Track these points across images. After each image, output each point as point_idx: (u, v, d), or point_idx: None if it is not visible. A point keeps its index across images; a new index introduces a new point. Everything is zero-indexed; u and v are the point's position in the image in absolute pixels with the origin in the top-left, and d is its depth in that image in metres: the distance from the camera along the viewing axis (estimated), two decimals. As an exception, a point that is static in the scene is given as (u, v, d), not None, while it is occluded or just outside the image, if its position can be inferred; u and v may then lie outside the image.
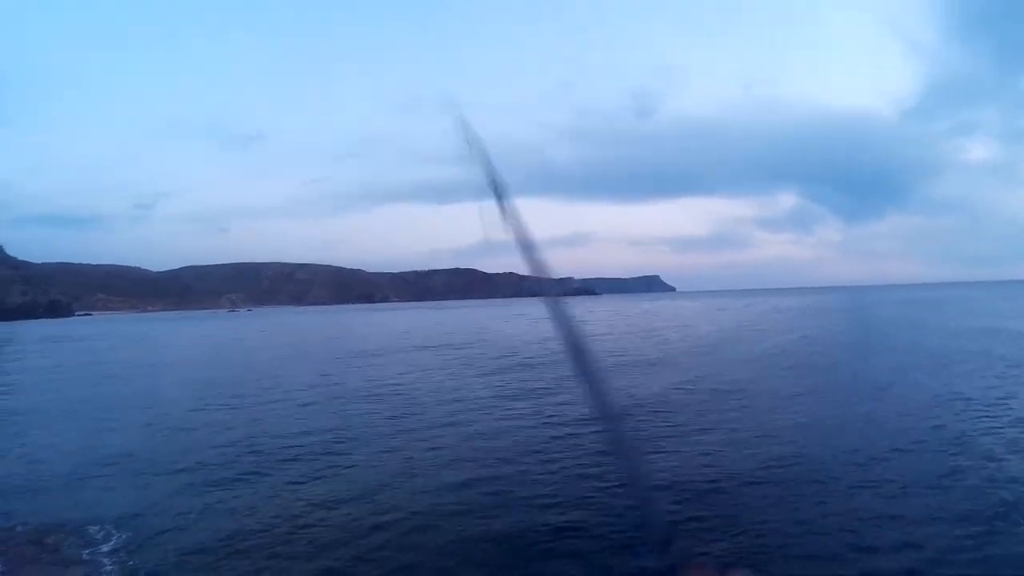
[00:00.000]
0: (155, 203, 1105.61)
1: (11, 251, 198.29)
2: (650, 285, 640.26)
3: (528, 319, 58.56)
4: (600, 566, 5.99)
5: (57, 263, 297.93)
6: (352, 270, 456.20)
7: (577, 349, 1.22)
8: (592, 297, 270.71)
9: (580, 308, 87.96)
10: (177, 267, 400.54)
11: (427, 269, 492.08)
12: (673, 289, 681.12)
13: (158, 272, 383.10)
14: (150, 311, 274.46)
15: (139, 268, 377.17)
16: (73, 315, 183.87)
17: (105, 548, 6.53)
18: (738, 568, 0.84)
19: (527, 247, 1.47)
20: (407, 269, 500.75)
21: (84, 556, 6.39)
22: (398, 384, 18.34)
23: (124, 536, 6.83)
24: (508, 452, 10.27)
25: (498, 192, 1.61)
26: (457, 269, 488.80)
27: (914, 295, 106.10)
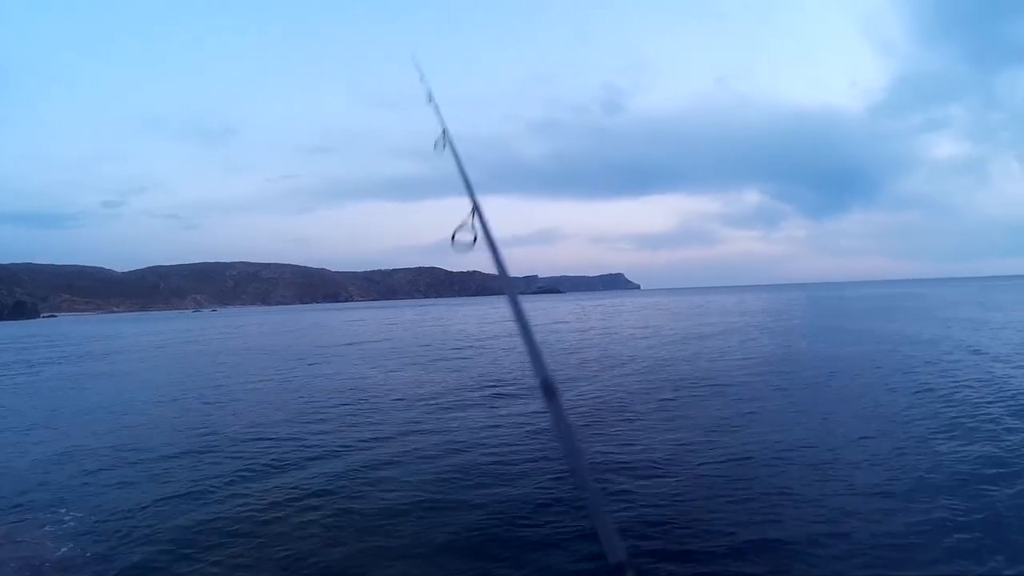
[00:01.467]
0: (123, 200, 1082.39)
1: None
2: (614, 283, 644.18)
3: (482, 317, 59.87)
4: None
5: (22, 263, 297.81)
6: (317, 269, 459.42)
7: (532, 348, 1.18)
8: (556, 296, 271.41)
9: (538, 306, 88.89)
10: (143, 267, 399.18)
11: (391, 268, 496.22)
12: (638, 287, 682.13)
13: (124, 272, 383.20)
14: (115, 311, 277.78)
15: (104, 268, 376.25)
16: (39, 316, 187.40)
17: (72, 545, 6.27)
18: None
19: (492, 245, 1.49)
20: (372, 268, 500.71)
21: (53, 553, 6.09)
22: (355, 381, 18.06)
23: (90, 533, 6.64)
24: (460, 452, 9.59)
25: (468, 186, 1.68)
26: (421, 268, 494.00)
27: (878, 291, 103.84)
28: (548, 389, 1.15)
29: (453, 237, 1.53)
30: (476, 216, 1.56)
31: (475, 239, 1.51)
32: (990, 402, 11.50)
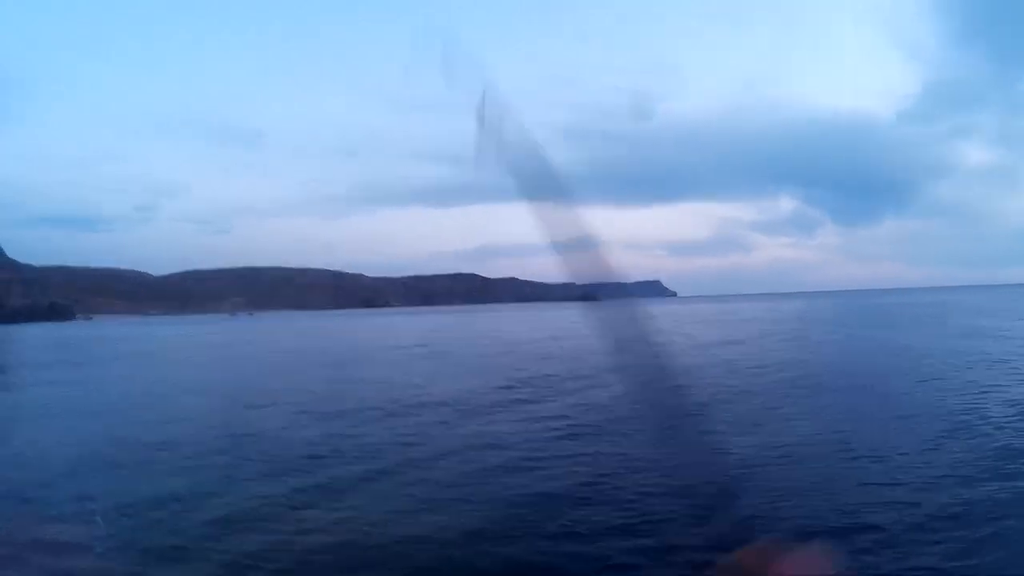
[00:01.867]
0: (156, 204, 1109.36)
1: (11, 253, 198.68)
2: (652, 290, 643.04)
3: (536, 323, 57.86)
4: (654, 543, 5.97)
5: (57, 266, 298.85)
6: (353, 275, 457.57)
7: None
8: (596, 302, 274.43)
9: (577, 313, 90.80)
10: (178, 271, 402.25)
11: (428, 274, 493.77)
12: (675, 294, 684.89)
13: (158, 276, 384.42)
14: (151, 315, 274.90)
15: (140, 271, 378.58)
16: (74, 318, 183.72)
17: (102, 544, 6.18)
18: (805, 545, 0.74)
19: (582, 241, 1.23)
20: (408, 274, 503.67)
21: (82, 550, 5.95)
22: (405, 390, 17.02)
23: (120, 530, 6.70)
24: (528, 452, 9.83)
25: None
26: (458, 274, 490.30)
27: (911, 299, 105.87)
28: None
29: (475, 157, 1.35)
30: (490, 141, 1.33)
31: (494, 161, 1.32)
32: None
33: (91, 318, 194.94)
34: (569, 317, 63.06)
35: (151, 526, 6.90)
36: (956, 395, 13.29)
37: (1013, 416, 11.12)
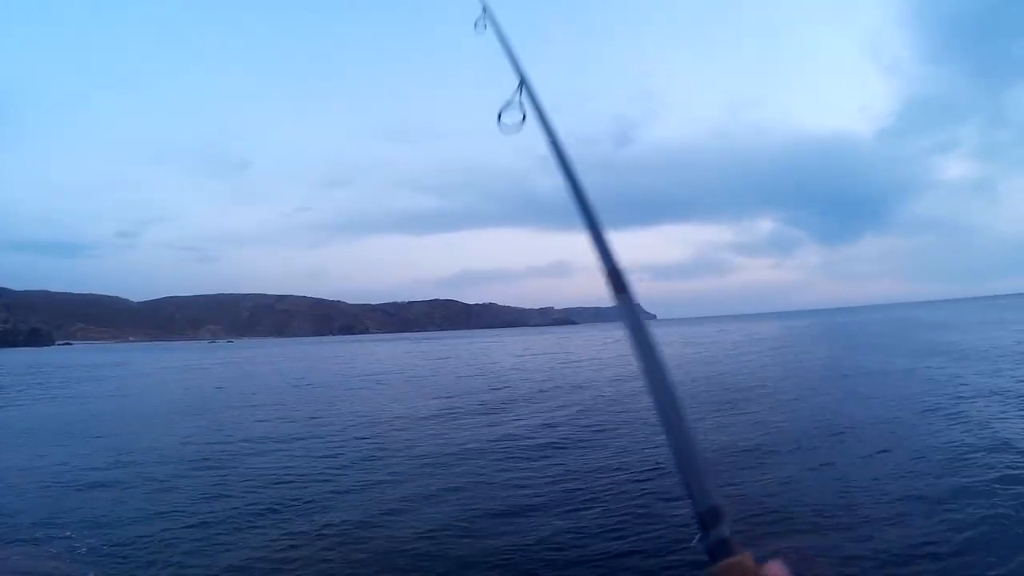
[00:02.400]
0: (138, 231, 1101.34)
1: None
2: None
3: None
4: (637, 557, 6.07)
5: (38, 291, 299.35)
6: (333, 301, 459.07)
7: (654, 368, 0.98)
8: (571, 327, 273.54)
9: (551, 338, 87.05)
10: (158, 297, 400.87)
11: (407, 300, 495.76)
12: (654, 316, 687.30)
13: (139, 302, 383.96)
14: (130, 341, 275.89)
15: (120, 298, 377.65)
16: (54, 344, 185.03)
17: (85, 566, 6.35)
18: (774, 559, 0.76)
19: (545, 124, 1.33)
20: (387, 300, 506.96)
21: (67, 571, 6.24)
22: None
23: (102, 552, 6.72)
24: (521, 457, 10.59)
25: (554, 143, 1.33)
26: (437, 300, 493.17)
27: (886, 315, 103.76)
28: (617, 280, 1.09)
29: (499, 117, 1.43)
30: (524, 92, 1.44)
31: (524, 117, 1.42)
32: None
33: (71, 344, 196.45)
34: (540, 342, 66.47)
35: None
36: (873, 407, 13.68)
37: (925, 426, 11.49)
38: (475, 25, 1.95)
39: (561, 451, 10.96)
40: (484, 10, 1.92)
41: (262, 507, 8.22)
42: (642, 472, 8.96)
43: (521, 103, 1.42)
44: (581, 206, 1.19)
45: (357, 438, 13.29)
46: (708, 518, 0.80)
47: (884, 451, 9.62)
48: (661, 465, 8.98)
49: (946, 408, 12.91)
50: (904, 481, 7.91)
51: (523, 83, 1.46)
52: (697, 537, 0.81)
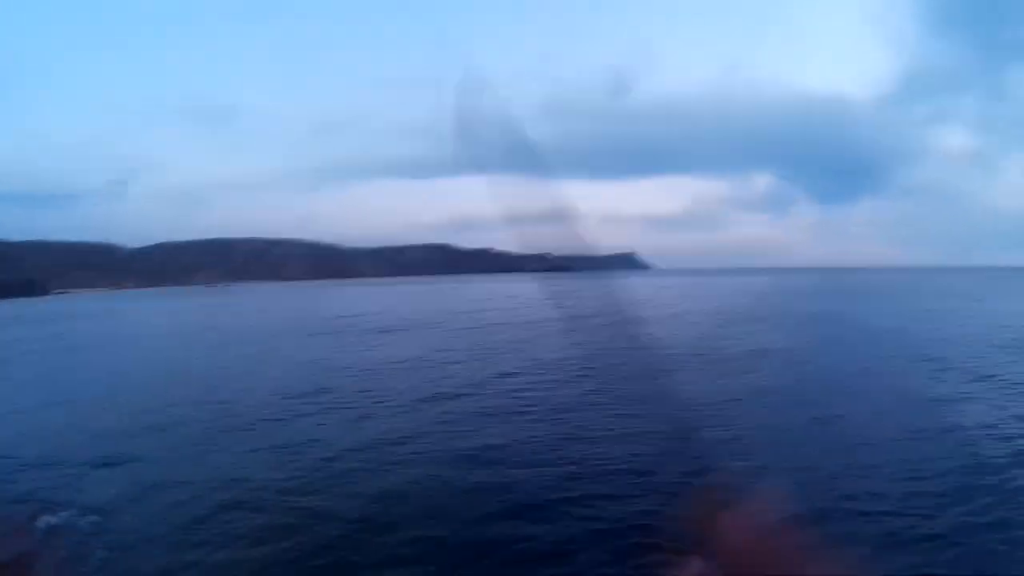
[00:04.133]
0: (130, 179, 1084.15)
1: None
2: (626, 263, 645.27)
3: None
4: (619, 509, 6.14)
5: (32, 241, 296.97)
6: (327, 245, 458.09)
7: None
8: (570, 273, 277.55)
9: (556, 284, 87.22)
10: (152, 243, 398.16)
11: (402, 245, 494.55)
12: (648, 267, 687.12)
13: (133, 249, 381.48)
14: (125, 288, 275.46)
15: (114, 245, 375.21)
16: (49, 294, 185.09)
17: (78, 533, 6.11)
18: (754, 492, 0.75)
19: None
20: (382, 245, 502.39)
21: (61, 539, 5.89)
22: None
23: (93, 520, 6.41)
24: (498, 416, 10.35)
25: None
26: (432, 245, 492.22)
27: (888, 279, 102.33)
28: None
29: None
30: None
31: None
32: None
33: (66, 292, 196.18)
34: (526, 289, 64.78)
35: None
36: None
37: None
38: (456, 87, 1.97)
39: (530, 409, 10.74)
40: None
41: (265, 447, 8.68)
42: (624, 426, 8.93)
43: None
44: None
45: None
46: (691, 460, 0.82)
47: (881, 412, 9.89)
48: (643, 415, 8.84)
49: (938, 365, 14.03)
50: (892, 440, 8.21)
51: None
52: (680, 482, 0.86)
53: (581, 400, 11.01)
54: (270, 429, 9.89)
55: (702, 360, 15.38)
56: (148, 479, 7.53)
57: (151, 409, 11.68)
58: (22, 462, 8.61)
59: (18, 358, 22.39)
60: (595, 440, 8.58)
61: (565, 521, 5.97)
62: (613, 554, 5.32)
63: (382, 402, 11.72)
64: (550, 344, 18.21)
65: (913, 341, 18.48)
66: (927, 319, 26.39)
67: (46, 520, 6.23)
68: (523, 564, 5.31)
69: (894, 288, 59.38)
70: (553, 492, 6.62)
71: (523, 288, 64.03)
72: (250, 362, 18.23)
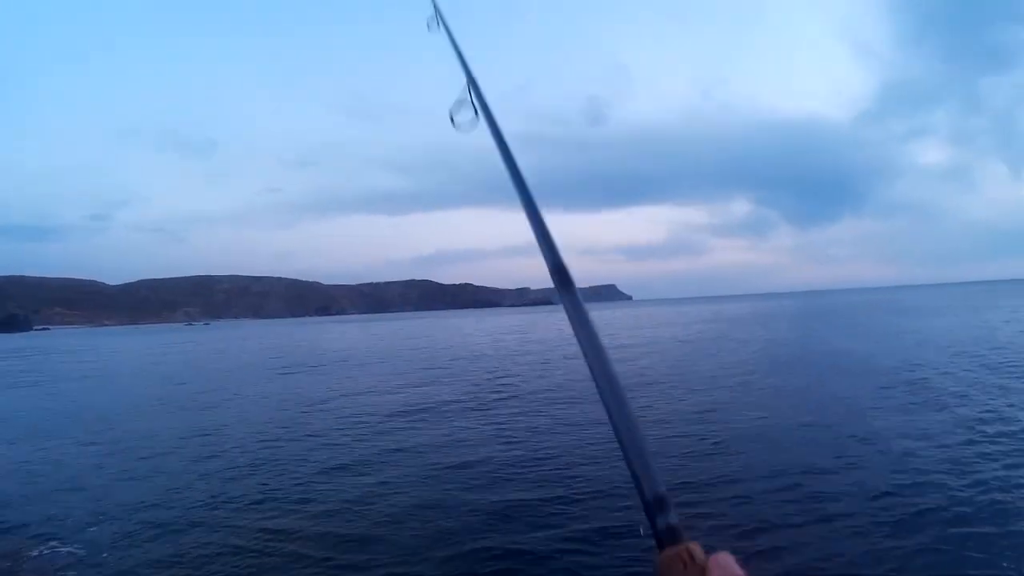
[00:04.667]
0: (110, 213, 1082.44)
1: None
2: (607, 294, 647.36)
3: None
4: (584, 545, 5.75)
5: (13, 276, 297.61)
6: (308, 282, 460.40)
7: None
8: (551, 307, 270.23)
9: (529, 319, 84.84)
10: (134, 280, 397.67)
11: (383, 281, 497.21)
12: (630, 297, 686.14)
13: (115, 285, 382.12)
14: (107, 325, 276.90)
15: (96, 281, 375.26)
16: (31, 329, 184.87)
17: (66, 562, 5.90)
18: (722, 551, 0.72)
19: (492, 123, 1.38)
20: (363, 280, 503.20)
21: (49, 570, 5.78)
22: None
23: (84, 550, 6.20)
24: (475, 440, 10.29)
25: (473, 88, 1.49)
26: (413, 280, 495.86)
27: (852, 299, 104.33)
28: (563, 276, 1.04)
29: (452, 119, 1.46)
30: (473, 92, 1.49)
31: (476, 113, 1.44)
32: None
33: (48, 328, 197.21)
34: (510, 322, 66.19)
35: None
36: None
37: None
38: (427, 26, 1.93)
39: (504, 440, 10.36)
40: (436, 9, 1.94)
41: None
42: (587, 460, 8.65)
43: (473, 102, 1.43)
44: (528, 205, 1.18)
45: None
46: (655, 506, 0.78)
47: (851, 440, 9.08)
48: (607, 454, 8.65)
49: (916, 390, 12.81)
50: (862, 477, 7.36)
51: (472, 83, 1.50)
52: (644, 525, 0.79)
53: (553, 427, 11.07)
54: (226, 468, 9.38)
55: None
56: (115, 515, 7.26)
57: (125, 446, 11.33)
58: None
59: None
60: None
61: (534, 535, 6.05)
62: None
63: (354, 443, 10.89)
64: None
65: (848, 361, 18.30)
66: (872, 338, 26.60)
67: (23, 553, 6.18)
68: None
69: (864, 308, 60.59)
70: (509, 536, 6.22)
71: (503, 322, 64.19)
72: (221, 398, 17.53)
